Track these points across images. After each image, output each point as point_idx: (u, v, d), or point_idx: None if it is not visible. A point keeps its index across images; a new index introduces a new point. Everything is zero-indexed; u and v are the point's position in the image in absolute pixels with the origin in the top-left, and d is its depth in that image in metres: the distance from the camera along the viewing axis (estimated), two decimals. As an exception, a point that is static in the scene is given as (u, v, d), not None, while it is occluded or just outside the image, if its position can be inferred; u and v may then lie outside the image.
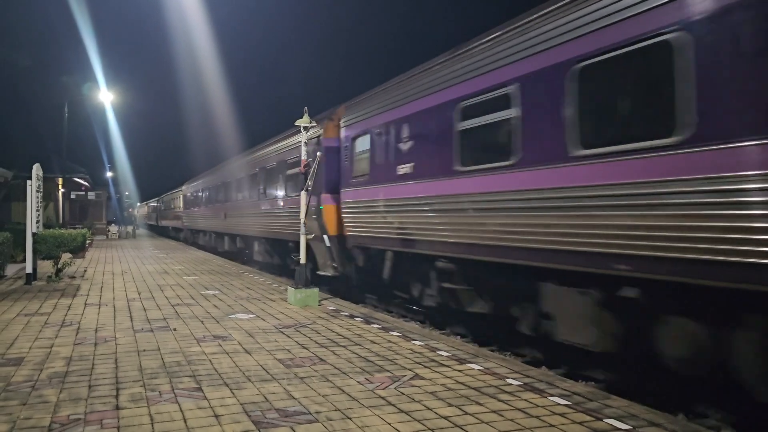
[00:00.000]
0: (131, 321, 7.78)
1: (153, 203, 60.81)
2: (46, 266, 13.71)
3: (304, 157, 9.92)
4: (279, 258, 15.85)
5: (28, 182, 11.82)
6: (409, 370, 5.38)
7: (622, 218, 5.30)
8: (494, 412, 4.22)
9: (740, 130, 4.40)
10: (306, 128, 9.89)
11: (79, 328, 7.27)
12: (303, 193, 9.90)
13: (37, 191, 12.08)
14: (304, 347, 6.27)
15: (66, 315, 8.21)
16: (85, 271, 14.95)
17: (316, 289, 9.56)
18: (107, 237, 38.06)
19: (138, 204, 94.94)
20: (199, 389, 4.66)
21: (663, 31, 4.99)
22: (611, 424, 3.99)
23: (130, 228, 44.63)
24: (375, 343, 6.56)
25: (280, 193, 15.10)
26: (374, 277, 10.71)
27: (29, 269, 11.98)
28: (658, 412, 4.43)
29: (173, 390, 4.63)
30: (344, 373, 5.21)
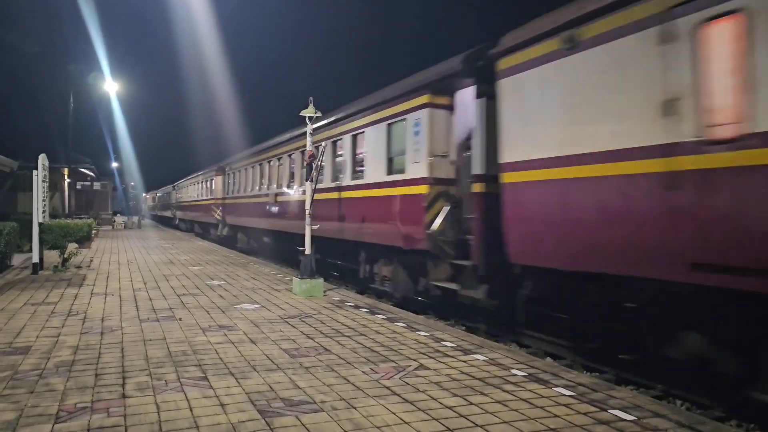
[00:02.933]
0: (137, 311, 7.81)
1: (158, 194, 68.86)
2: (53, 256, 13.78)
3: (309, 148, 9.89)
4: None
5: (34, 172, 11.85)
6: (414, 360, 5.39)
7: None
8: (499, 402, 4.23)
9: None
10: (311, 119, 9.84)
11: (85, 317, 7.31)
12: (308, 184, 9.89)
13: (43, 181, 12.11)
14: (309, 337, 6.29)
15: (72, 304, 8.26)
16: (91, 261, 15.01)
17: (321, 280, 9.58)
18: (113, 227, 38.22)
19: (144, 195, 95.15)
20: (205, 378, 4.69)
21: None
22: (616, 415, 3.99)
23: (135, 218, 44.74)
24: (380, 333, 6.57)
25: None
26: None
27: (36, 259, 12.03)
28: (662, 403, 4.43)
29: (179, 379, 4.65)
30: (349, 363, 5.23)
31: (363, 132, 11.21)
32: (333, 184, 12.51)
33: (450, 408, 4.08)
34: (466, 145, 8.52)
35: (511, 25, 7.18)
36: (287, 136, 16.62)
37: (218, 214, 26.58)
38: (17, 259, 14.53)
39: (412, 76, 9.85)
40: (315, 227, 9.93)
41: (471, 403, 4.19)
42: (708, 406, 5.37)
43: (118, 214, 45.79)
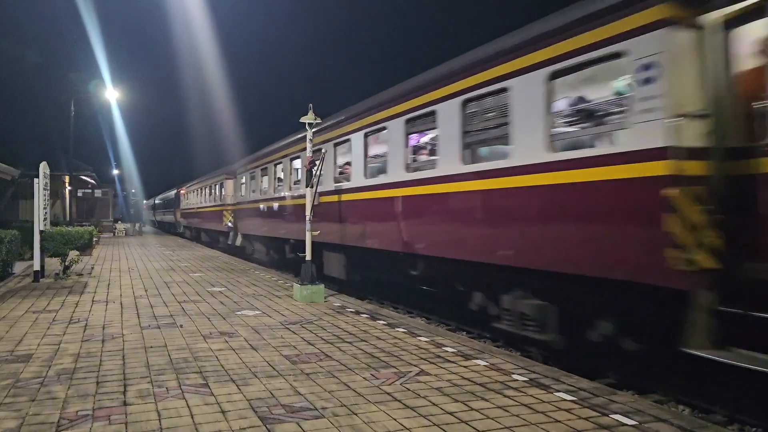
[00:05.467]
0: (138, 318, 7.82)
1: (153, 202, 77.01)
2: (54, 264, 13.80)
3: (309, 153, 9.92)
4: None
5: (36, 180, 11.88)
6: (415, 366, 5.39)
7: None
8: (500, 407, 4.23)
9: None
10: (311, 125, 9.87)
11: (86, 324, 7.31)
12: (308, 190, 9.91)
13: (45, 189, 12.13)
14: (310, 343, 6.29)
15: (74, 312, 8.27)
16: (92, 268, 15.03)
17: (321, 286, 9.58)
18: (114, 234, 38.26)
19: (144, 201, 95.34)
20: (206, 385, 4.69)
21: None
22: (617, 420, 3.98)
23: (137, 225, 44.85)
24: (381, 339, 6.57)
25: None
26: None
27: (37, 267, 12.04)
28: (664, 408, 4.44)
29: (180, 386, 4.66)
30: (350, 369, 5.23)
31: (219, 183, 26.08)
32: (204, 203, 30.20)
33: (451, 414, 4.08)
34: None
35: (512, 26, 7.29)
36: (207, 176, 30.62)
37: (179, 218, 41.48)
38: (18, 267, 14.54)
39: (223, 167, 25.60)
40: (316, 233, 9.95)
41: (472, 409, 4.19)
42: (710, 410, 5.37)
43: (119, 221, 45.85)
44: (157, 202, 68.05)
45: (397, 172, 9.26)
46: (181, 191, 39.77)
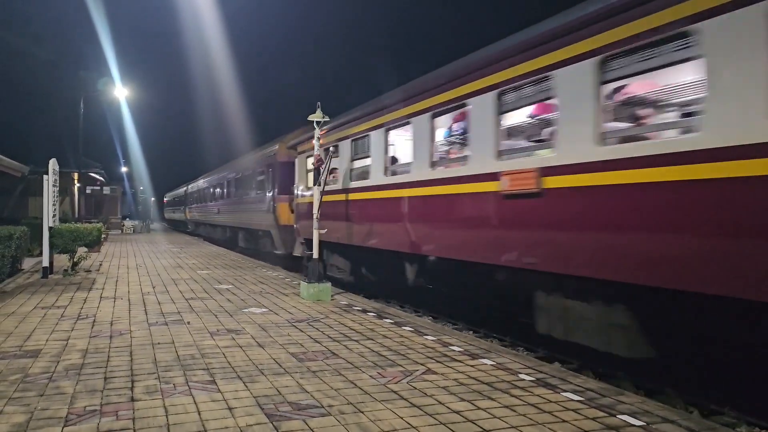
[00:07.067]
0: (146, 314, 7.85)
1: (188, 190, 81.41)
2: (62, 260, 13.88)
3: (317, 152, 9.92)
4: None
5: (45, 177, 11.94)
6: (422, 364, 5.38)
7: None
8: (507, 407, 4.22)
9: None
10: (319, 123, 9.87)
11: (94, 321, 7.35)
12: (315, 188, 9.91)
13: (54, 186, 12.20)
14: (317, 341, 6.29)
15: (82, 308, 8.31)
16: (100, 265, 15.11)
17: (328, 284, 9.59)
18: (122, 231, 38.48)
19: (152, 199, 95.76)
20: (213, 382, 4.70)
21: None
22: (625, 420, 3.96)
23: (146, 222, 45.08)
24: (387, 337, 6.57)
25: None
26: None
27: (46, 263, 12.12)
28: (672, 409, 4.40)
29: (187, 383, 4.67)
30: (356, 368, 5.23)
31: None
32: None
33: (457, 412, 4.07)
34: None
35: (519, 27, 7.31)
36: (184, 187, 35.67)
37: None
38: (28, 263, 14.64)
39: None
40: (323, 231, 9.95)
41: (478, 408, 4.18)
42: (718, 411, 5.33)
43: (128, 219, 46.07)
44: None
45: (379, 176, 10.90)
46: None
